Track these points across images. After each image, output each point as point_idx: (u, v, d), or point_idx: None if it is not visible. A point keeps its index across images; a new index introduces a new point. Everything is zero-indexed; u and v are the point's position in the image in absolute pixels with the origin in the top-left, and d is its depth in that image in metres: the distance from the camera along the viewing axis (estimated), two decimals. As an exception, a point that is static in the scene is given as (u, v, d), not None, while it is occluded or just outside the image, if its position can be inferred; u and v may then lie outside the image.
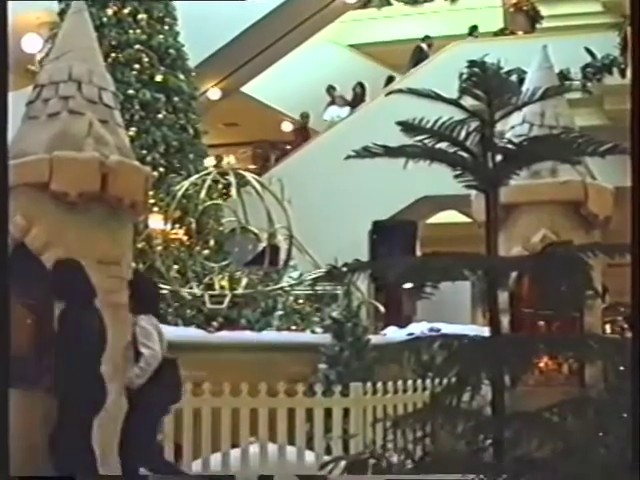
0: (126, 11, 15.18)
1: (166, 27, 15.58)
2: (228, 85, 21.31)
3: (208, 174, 13.73)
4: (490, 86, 4.34)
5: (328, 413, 9.21)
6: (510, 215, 10.69)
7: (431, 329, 10.74)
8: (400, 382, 9.70)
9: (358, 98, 21.98)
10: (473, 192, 5.28)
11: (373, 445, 8.24)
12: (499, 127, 4.41)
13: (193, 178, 13.85)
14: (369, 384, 9.39)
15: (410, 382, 9.83)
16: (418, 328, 11.69)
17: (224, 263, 13.61)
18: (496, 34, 20.56)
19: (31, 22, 17.10)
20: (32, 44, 17.17)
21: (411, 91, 4.47)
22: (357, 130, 16.97)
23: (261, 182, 13.72)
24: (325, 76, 22.78)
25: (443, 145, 4.35)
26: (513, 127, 10.67)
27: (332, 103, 22.09)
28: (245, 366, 9.94)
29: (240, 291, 12.99)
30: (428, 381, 9.70)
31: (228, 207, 14.28)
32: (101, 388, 7.69)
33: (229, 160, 14.06)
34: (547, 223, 10.86)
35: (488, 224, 4.36)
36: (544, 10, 20.81)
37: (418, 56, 20.81)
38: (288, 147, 22.96)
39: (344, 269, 4.36)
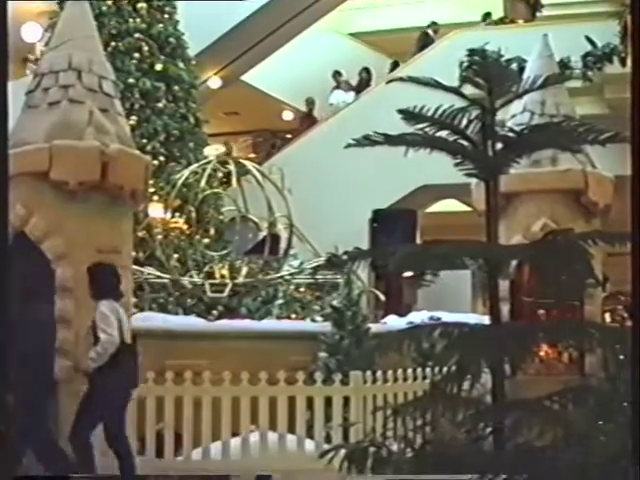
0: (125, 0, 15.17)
1: (166, 16, 15.54)
2: (228, 74, 21.27)
3: (208, 163, 13.72)
4: (491, 74, 4.33)
5: (328, 401, 9.22)
6: (510, 204, 10.69)
7: (431, 318, 10.73)
8: (400, 371, 9.71)
9: (364, 83, 21.84)
10: (473, 181, 5.28)
11: (373, 433, 8.24)
12: (500, 116, 4.40)
13: (193, 167, 13.83)
14: (369, 373, 9.40)
15: (410, 371, 9.84)
16: (418, 317, 11.68)
17: (224, 252, 13.61)
18: (496, 23, 20.51)
19: (31, 11, 17.04)
20: (32, 33, 17.12)
21: (411, 79, 4.46)
22: (358, 118, 16.93)
23: (261, 171, 13.71)
24: (325, 65, 22.72)
25: (443, 133, 4.34)
26: (514, 116, 10.67)
27: (337, 88, 21.97)
28: (245, 355, 9.94)
29: (240, 280, 12.99)
30: (428, 370, 9.71)
31: (228, 196, 14.27)
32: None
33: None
34: (547, 212, 10.86)
35: (488, 213, 4.36)
36: (544, -2, 20.78)
37: (424, 41, 20.67)
38: (289, 136, 22.90)
39: (344, 257, 4.37)
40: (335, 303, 11.19)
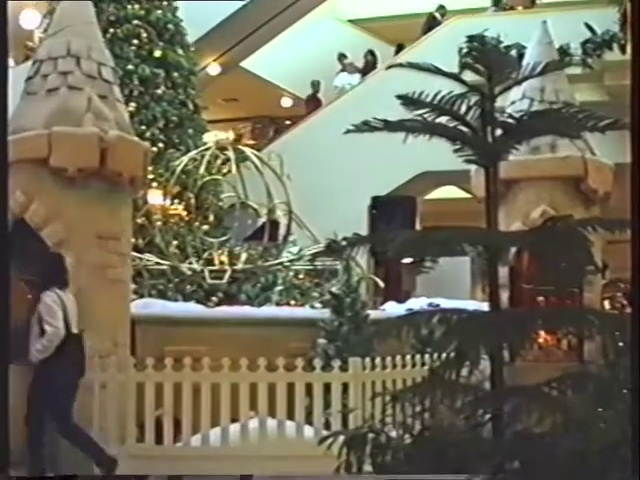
0: (124, -14, 15.14)
1: (165, 2, 15.53)
2: (227, 60, 21.25)
3: (207, 149, 13.71)
4: (490, 60, 4.33)
5: (327, 388, 9.22)
6: (510, 191, 10.69)
7: (430, 304, 10.73)
8: (399, 357, 9.71)
9: (370, 66, 21.70)
10: (473, 167, 5.27)
11: (372, 420, 8.24)
12: (499, 103, 4.39)
13: (192, 153, 13.82)
14: (368, 359, 9.39)
15: (409, 357, 9.84)
16: (417, 303, 11.67)
17: (223, 238, 13.60)
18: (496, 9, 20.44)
19: (29, -3, 17.01)
20: (30, 20, 17.08)
21: (411, 65, 4.45)
22: (357, 104, 16.89)
23: (260, 157, 13.69)
24: (324, 52, 22.67)
25: (443, 120, 4.33)
26: (513, 102, 10.66)
27: (343, 70, 21.86)
28: (244, 341, 9.94)
29: (240, 266, 12.99)
30: (427, 356, 9.71)
31: (227, 182, 14.26)
32: None
33: (228, 136, 14.05)
34: (547, 199, 10.86)
35: (488, 199, 4.36)
36: (544, -15, 20.74)
37: (430, 24, 20.51)
38: (288, 122, 22.88)
39: (343, 243, 4.36)
40: (334, 290, 11.19)
